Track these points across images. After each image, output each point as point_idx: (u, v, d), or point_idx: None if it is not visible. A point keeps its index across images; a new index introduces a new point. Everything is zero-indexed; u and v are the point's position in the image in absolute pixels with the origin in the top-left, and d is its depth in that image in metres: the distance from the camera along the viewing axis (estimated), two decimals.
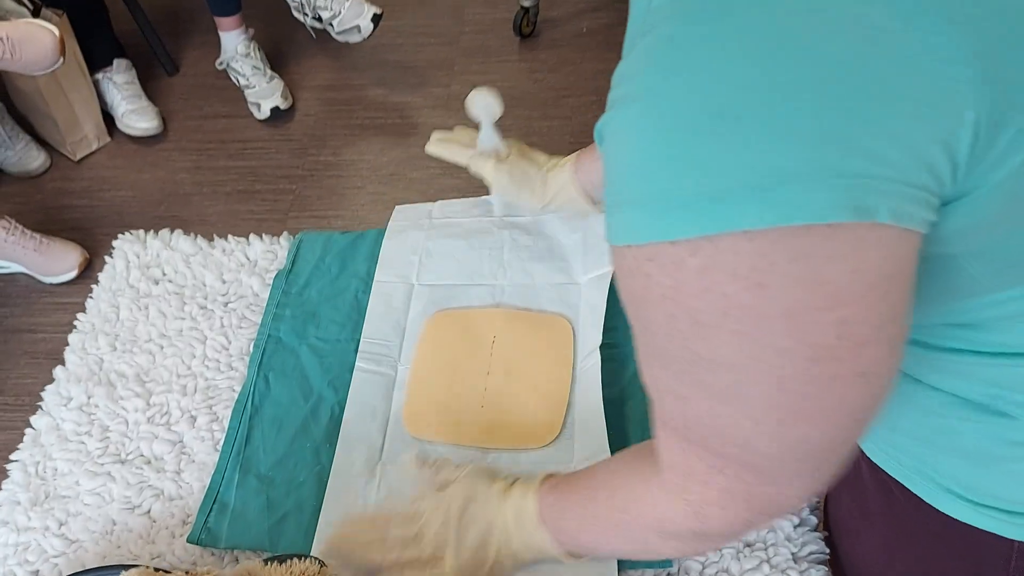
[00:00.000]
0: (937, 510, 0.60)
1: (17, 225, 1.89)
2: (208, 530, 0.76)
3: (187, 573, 0.63)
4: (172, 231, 1.00)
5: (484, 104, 0.88)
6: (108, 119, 2.24)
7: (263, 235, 0.99)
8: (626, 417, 0.79)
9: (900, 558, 0.69)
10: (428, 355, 0.85)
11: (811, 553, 0.71)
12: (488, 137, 0.88)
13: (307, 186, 2.09)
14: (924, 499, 0.60)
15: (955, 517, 0.59)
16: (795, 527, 0.72)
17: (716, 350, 0.39)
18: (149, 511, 0.79)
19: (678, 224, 0.36)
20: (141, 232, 1.00)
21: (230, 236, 0.99)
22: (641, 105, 0.37)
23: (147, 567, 0.63)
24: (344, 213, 2.02)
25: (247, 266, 0.96)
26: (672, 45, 0.37)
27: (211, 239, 0.99)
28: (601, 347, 0.82)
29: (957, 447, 0.55)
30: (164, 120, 2.25)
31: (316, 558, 0.67)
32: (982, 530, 0.58)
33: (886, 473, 0.63)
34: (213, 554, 0.76)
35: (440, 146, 0.94)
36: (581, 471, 0.65)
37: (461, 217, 0.97)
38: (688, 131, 0.35)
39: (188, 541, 0.76)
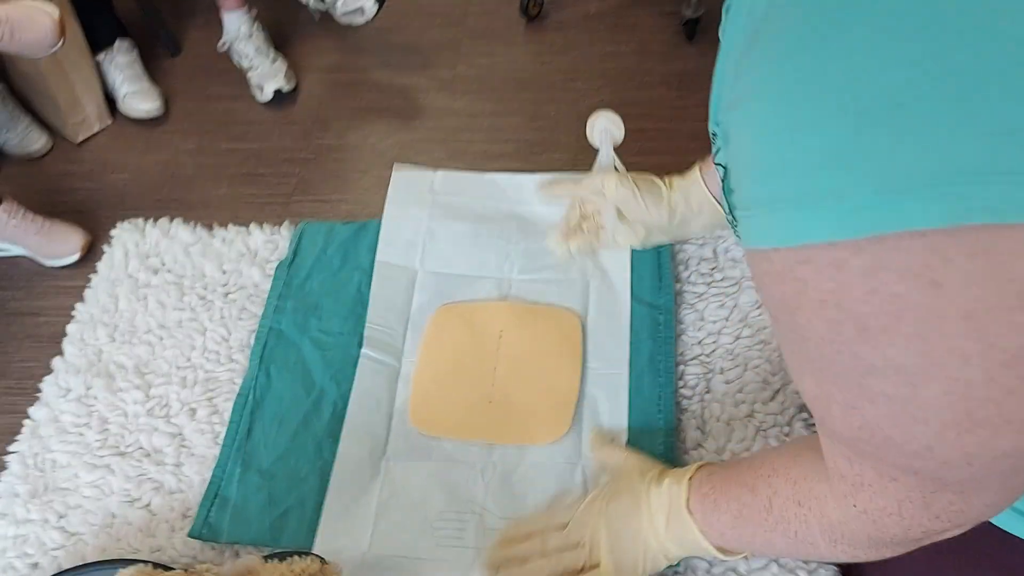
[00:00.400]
0: (998, 528, 0.59)
1: (19, 207, 1.87)
2: (209, 525, 0.75)
3: (186, 570, 0.62)
4: (171, 220, 0.99)
5: (603, 128, 0.88)
6: (110, 101, 2.23)
7: (264, 224, 0.97)
8: (631, 417, 0.78)
9: (942, 570, 0.68)
10: (434, 351, 0.84)
11: (819, 566, 0.69)
12: (607, 159, 0.86)
13: (310, 169, 2.07)
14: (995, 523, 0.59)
15: (1007, 531, 0.58)
16: None
17: (889, 356, 0.35)
18: (149, 504, 0.79)
19: (840, 224, 0.33)
20: (140, 221, 0.99)
21: (230, 225, 0.98)
22: (790, 96, 0.34)
23: (146, 563, 0.62)
24: (348, 197, 2.00)
25: (247, 256, 0.95)
26: (824, 24, 0.32)
27: (211, 228, 0.98)
28: None
29: None
30: (166, 102, 2.23)
31: (317, 555, 0.66)
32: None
33: None
34: (213, 548, 0.75)
35: (552, 191, 0.91)
36: (740, 462, 0.63)
37: (466, 197, 0.95)
38: (849, 122, 0.32)
39: (189, 535, 0.75)
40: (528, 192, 0.94)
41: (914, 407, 0.37)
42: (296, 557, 0.65)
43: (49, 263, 1.92)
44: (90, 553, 0.75)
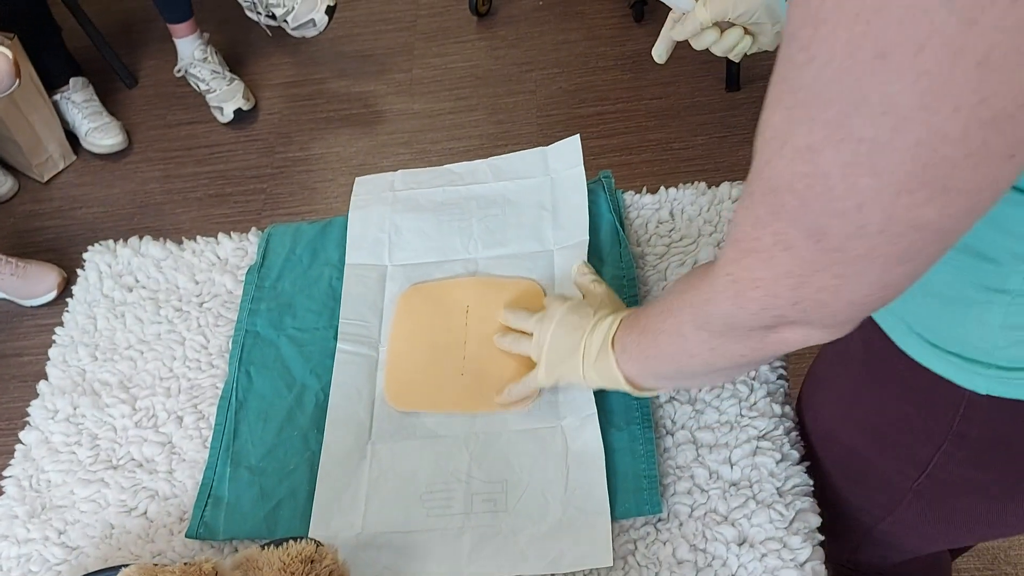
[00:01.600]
0: (904, 353, 0.62)
1: None
2: (205, 524, 0.77)
3: (187, 564, 0.64)
4: (141, 238, 1.00)
5: None
6: (72, 137, 2.23)
7: (232, 233, 0.99)
8: None
9: (862, 403, 0.72)
10: (404, 330, 0.86)
11: (795, 486, 0.72)
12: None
13: (277, 184, 2.09)
14: (893, 340, 0.63)
15: (918, 360, 0.61)
16: (777, 463, 0.73)
17: (889, 92, 0.36)
18: (146, 512, 0.80)
19: None
20: (110, 242, 1.01)
21: (199, 237, 1.00)
22: None
23: (144, 563, 0.64)
24: (318, 207, 2.02)
25: (218, 265, 0.97)
26: None
27: (180, 242, 1.00)
28: None
29: (933, 286, 0.56)
30: (128, 133, 2.24)
31: (313, 539, 0.68)
32: (940, 376, 0.60)
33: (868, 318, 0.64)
34: (212, 547, 0.77)
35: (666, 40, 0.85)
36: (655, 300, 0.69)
37: (425, 188, 0.97)
38: None
39: (186, 536, 0.77)
40: (483, 173, 0.97)
41: (878, 156, 0.38)
42: (291, 542, 0.67)
43: (27, 303, 1.93)
44: (92, 565, 0.77)
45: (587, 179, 0.93)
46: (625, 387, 0.70)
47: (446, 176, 0.98)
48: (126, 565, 0.67)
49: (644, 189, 0.94)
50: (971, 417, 0.61)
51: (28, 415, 0.88)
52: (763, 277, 0.47)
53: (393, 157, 2.08)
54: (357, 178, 1.01)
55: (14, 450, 0.87)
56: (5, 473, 0.85)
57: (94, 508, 0.81)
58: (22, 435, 0.87)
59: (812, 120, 0.39)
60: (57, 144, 2.20)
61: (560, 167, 0.95)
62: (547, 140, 1.92)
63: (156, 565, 0.63)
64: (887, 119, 0.36)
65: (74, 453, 0.85)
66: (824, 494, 0.76)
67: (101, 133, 2.20)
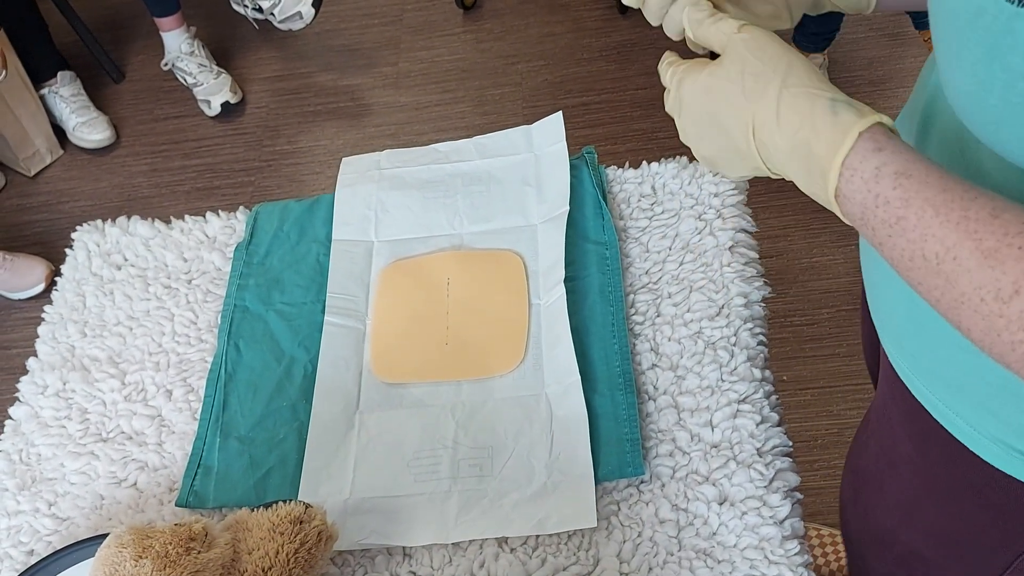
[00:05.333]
0: (978, 458, 0.58)
1: None
2: (195, 493, 0.78)
3: (176, 524, 0.64)
4: (129, 218, 1.01)
5: None
6: (59, 131, 2.24)
7: (220, 211, 1.00)
8: (587, 344, 0.82)
9: (926, 507, 0.70)
10: (387, 305, 0.88)
11: (775, 447, 0.74)
12: None
13: (265, 176, 2.10)
14: (975, 451, 0.59)
15: (997, 467, 0.58)
16: (757, 425, 0.74)
17: None
18: (135, 483, 0.81)
19: None
20: (99, 222, 1.02)
21: (187, 216, 1.01)
22: None
23: (135, 525, 0.65)
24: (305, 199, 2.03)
25: (207, 243, 0.97)
26: None
27: (168, 221, 1.01)
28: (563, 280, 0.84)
29: None
30: (116, 128, 2.25)
31: (302, 501, 0.69)
32: (1021, 483, 0.57)
33: (925, 420, 0.62)
34: (202, 515, 0.78)
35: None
36: (953, 187, 0.46)
37: (411, 166, 0.98)
38: None
39: (176, 505, 0.78)
40: (468, 152, 0.98)
41: None
42: (280, 503, 0.68)
43: (15, 296, 1.94)
44: (83, 534, 0.78)
45: (571, 155, 0.94)
46: (829, 188, 0.50)
47: (431, 155, 1.00)
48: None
49: (627, 164, 0.96)
50: None
51: (18, 391, 0.89)
52: None
53: (379, 149, 2.08)
54: (344, 158, 1.02)
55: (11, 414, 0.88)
56: None
57: (84, 480, 0.82)
58: (12, 410, 0.88)
59: None
60: (44, 138, 2.20)
61: (543, 143, 0.96)
62: None
63: (147, 527, 0.64)
64: None
65: (64, 427, 0.85)
66: None
67: (89, 128, 2.20)
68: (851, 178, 0.49)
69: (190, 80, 2.23)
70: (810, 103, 0.50)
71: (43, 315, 0.95)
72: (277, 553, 0.65)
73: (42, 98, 2.21)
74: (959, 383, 0.45)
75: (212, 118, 2.23)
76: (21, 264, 1.92)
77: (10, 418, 0.87)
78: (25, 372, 0.91)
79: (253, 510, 0.69)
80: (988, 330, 0.44)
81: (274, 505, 0.68)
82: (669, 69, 0.60)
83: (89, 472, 0.82)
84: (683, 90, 0.58)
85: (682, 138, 0.61)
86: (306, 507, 0.68)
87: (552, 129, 0.96)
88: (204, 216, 1.00)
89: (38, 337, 0.94)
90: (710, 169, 0.61)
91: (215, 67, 2.23)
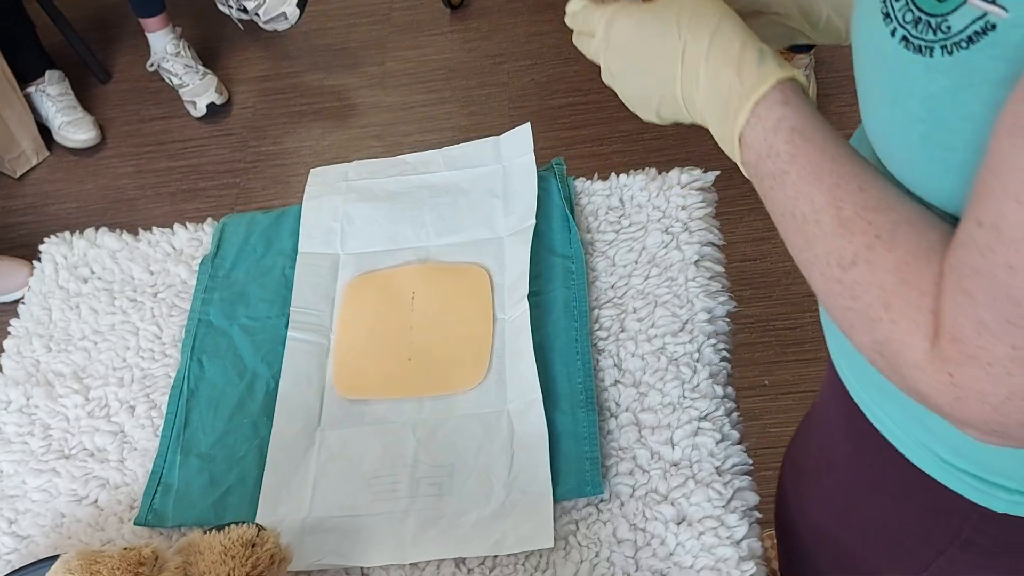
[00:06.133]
0: (914, 467, 0.60)
1: None
2: (154, 511, 0.78)
3: (126, 548, 0.64)
4: (97, 229, 1.01)
5: None
6: (45, 132, 2.23)
7: (187, 224, 1.00)
8: (550, 360, 0.81)
9: (859, 505, 0.71)
10: (351, 320, 0.87)
11: (734, 465, 0.73)
12: None
13: (250, 178, 2.09)
14: (904, 454, 0.61)
15: (932, 476, 0.59)
16: (717, 443, 0.74)
17: None
18: (96, 501, 0.81)
19: None
20: (67, 234, 1.01)
21: (155, 228, 1.00)
22: None
23: (84, 548, 0.65)
24: (290, 201, 2.00)
25: (173, 255, 0.97)
26: None
27: (136, 233, 1.00)
28: (527, 296, 0.84)
29: None
30: (102, 128, 2.24)
31: (256, 523, 0.68)
32: (953, 491, 0.59)
33: (862, 421, 0.64)
34: (161, 534, 0.78)
35: None
36: (844, 151, 0.49)
37: (378, 178, 0.98)
38: None
39: (135, 524, 0.77)
40: (436, 163, 0.97)
41: None
42: (233, 526, 0.67)
43: None
44: (42, 553, 0.78)
45: (540, 167, 0.94)
46: (736, 131, 0.52)
47: (399, 166, 0.99)
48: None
49: (596, 175, 0.95)
50: (982, 529, 0.60)
51: None
52: (994, 393, 0.40)
53: (365, 150, 2.09)
54: (312, 169, 1.02)
55: None
56: None
57: (45, 497, 0.81)
58: None
59: None
60: (30, 139, 2.19)
61: (512, 155, 0.95)
62: None
63: (95, 551, 0.64)
64: None
65: (26, 443, 0.85)
66: None
67: (74, 128, 2.20)
68: (755, 125, 0.51)
69: (176, 81, 2.22)
70: (740, 46, 0.53)
71: (9, 328, 0.95)
72: None
73: (28, 97, 2.20)
74: (889, 388, 0.48)
75: (198, 119, 2.22)
76: (5, 267, 1.92)
77: None
78: None
79: (206, 532, 0.68)
80: (828, 293, 0.48)
81: (227, 528, 0.68)
82: (596, 12, 0.61)
83: (50, 489, 0.82)
84: (614, 27, 0.60)
85: (605, 78, 0.63)
86: (259, 530, 0.68)
87: (520, 140, 0.96)
88: (172, 228, 1.00)
89: (3, 351, 0.93)
90: (631, 109, 0.63)
91: (201, 68, 2.22)
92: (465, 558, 0.72)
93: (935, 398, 0.43)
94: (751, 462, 0.75)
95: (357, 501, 0.76)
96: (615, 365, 0.81)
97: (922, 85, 0.42)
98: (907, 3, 0.43)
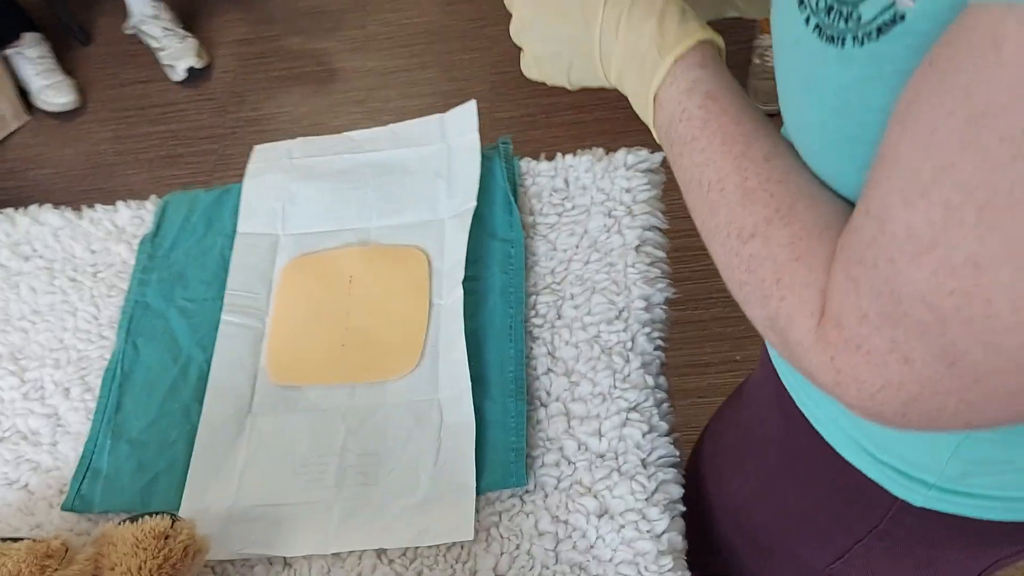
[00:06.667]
0: (837, 454, 0.60)
1: None
2: (81, 497, 0.78)
3: (35, 540, 0.64)
4: (41, 205, 0.99)
5: None
6: (24, 96, 2.21)
7: (129, 201, 0.98)
8: (484, 347, 0.80)
9: (780, 486, 0.71)
10: (286, 304, 0.86)
11: (660, 457, 0.72)
12: None
13: (229, 144, 2.07)
14: (827, 439, 0.61)
15: (852, 463, 0.60)
16: (644, 435, 0.73)
17: None
18: (27, 485, 0.81)
19: None
20: (11, 210, 1.00)
21: (98, 205, 0.99)
22: None
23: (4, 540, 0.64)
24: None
25: (114, 234, 0.96)
26: None
27: (79, 209, 0.99)
28: (463, 280, 0.82)
29: None
30: (82, 92, 2.21)
31: (170, 513, 0.68)
32: (873, 481, 0.59)
33: (792, 404, 0.63)
34: (89, 519, 0.77)
35: None
36: (756, 125, 0.48)
37: (324, 155, 0.96)
38: None
39: (62, 509, 0.77)
40: (383, 140, 0.95)
41: None
42: (147, 517, 0.67)
43: None
44: None
45: (485, 145, 0.92)
46: (651, 89, 0.51)
47: (345, 144, 0.97)
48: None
49: (542, 156, 0.93)
50: (900, 520, 0.60)
51: None
52: (870, 382, 0.39)
53: (346, 116, 2.06)
54: (256, 146, 1.00)
55: None
56: None
57: None
58: None
59: (992, 230, 0.31)
60: (9, 103, 2.17)
61: (456, 134, 0.93)
62: (500, 98, 1.90)
63: (4, 541, 0.64)
64: None
65: None
66: (727, 560, 0.76)
67: (54, 91, 2.17)
68: (671, 85, 0.50)
69: (155, 44, 2.19)
70: (664, 3, 0.51)
71: None
72: (140, 569, 0.64)
73: (6, 60, 2.18)
74: None
75: (178, 83, 2.20)
76: None
77: None
78: None
79: (120, 523, 0.68)
80: (727, 265, 0.47)
81: (141, 518, 0.67)
82: None
83: None
84: None
85: (513, 32, 0.60)
86: (173, 521, 0.67)
87: (465, 119, 0.93)
88: (115, 205, 0.98)
89: None
90: (537, 76, 0.61)
91: (181, 30, 2.19)
92: (387, 549, 0.72)
93: (818, 377, 0.43)
94: (677, 454, 0.74)
95: (285, 489, 0.75)
96: (548, 353, 0.80)
97: (835, 76, 0.40)
98: None
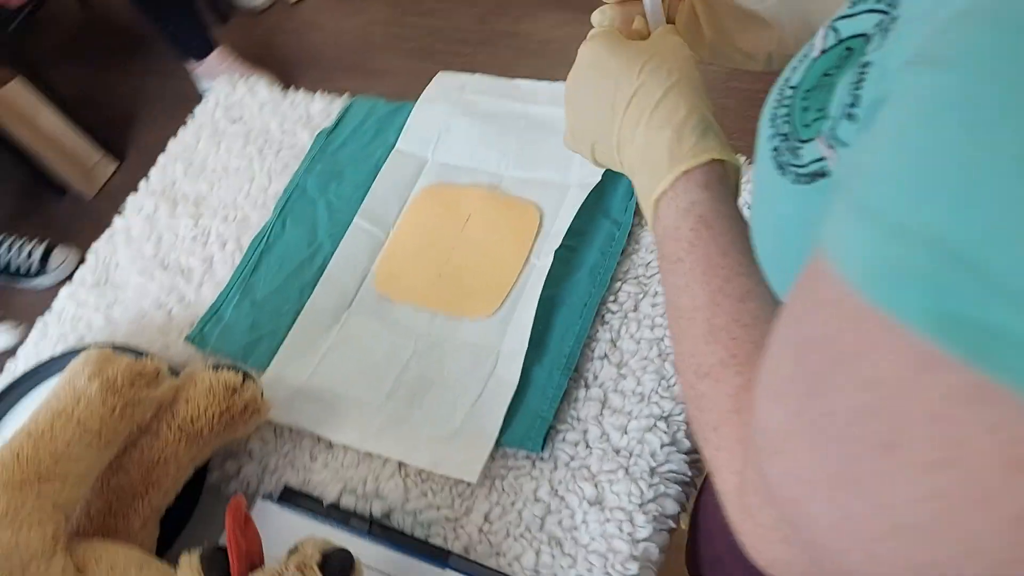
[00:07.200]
0: None
1: (230, 54, 2.15)
2: (202, 335, 0.92)
3: (136, 359, 0.78)
4: (260, 78, 1.14)
5: None
6: None
7: (327, 92, 1.10)
8: (554, 317, 0.84)
9: None
10: (409, 223, 0.94)
11: (670, 471, 0.74)
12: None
13: (479, 52, 2.18)
14: None
15: None
16: (663, 446, 0.75)
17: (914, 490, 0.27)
18: (171, 311, 0.97)
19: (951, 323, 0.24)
20: (235, 76, 1.15)
21: (302, 90, 1.12)
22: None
23: (105, 349, 0.79)
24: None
25: (304, 120, 1.08)
26: None
27: (286, 89, 1.12)
28: (559, 248, 0.86)
29: None
30: None
31: (244, 371, 0.79)
32: None
33: None
34: (202, 355, 0.92)
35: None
36: (734, 256, 0.47)
37: (488, 96, 1.02)
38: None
39: (185, 339, 0.92)
40: (542, 95, 0.99)
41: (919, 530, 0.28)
42: (226, 370, 0.79)
43: None
44: (119, 337, 0.95)
45: None
46: (655, 195, 0.52)
47: (510, 90, 1.02)
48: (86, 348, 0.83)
49: None
50: None
51: (125, 204, 1.07)
52: (765, 552, 0.39)
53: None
54: (440, 72, 1.07)
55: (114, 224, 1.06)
56: (93, 247, 1.04)
57: (138, 295, 0.98)
58: (117, 219, 1.06)
59: (814, 450, 0.31)
60: None
61: None
62: None
63: (116, 350, 0.78)
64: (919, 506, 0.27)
65: (141, 247, 1.02)
66: None
67: None
68: (672, 200, 0.51)
69: None
70: (687, 111, 0.52)
71: (168, 145, 1.11)
72: (206, 410, 0.77)
73: None
74: None
75: None
76: None
77: (111, 225, 1.06)
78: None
79: (208, 368, 0.81)
80: (685, 396, 0.47)
81: (222, 369, 0.80)
82: (596, 16, 0.61)
83: (143, 289, 0.99)
84: (587, 45, 0.59)
85: (565, 95, 0.63)
86: (244, 379, 0.79)
87: None
88: (314, 94, 1.11)
89: (155, 164, 1.10)
90: (572, 147, 0.64)
91: None
92: (408, 464, 0.80)
93: (737, 534, 0.42)
94: (690, 474, 0.75)
95: (347, 383, 0.85)
96: (611, 340, 0.83)
97: (779, 202, 0.41)
98: (788, 114, 0.41)
